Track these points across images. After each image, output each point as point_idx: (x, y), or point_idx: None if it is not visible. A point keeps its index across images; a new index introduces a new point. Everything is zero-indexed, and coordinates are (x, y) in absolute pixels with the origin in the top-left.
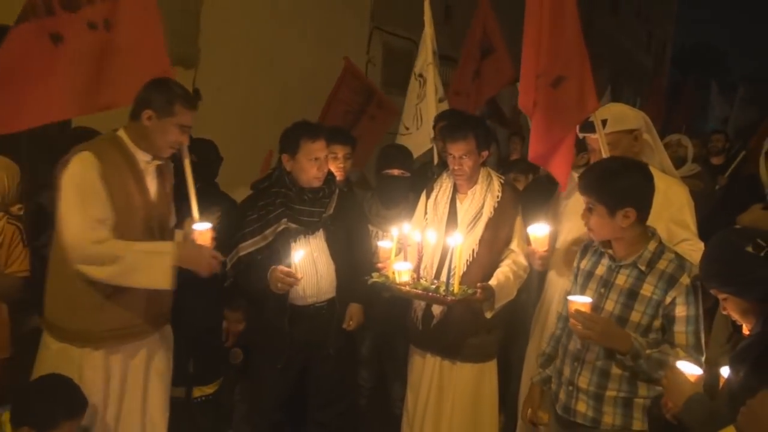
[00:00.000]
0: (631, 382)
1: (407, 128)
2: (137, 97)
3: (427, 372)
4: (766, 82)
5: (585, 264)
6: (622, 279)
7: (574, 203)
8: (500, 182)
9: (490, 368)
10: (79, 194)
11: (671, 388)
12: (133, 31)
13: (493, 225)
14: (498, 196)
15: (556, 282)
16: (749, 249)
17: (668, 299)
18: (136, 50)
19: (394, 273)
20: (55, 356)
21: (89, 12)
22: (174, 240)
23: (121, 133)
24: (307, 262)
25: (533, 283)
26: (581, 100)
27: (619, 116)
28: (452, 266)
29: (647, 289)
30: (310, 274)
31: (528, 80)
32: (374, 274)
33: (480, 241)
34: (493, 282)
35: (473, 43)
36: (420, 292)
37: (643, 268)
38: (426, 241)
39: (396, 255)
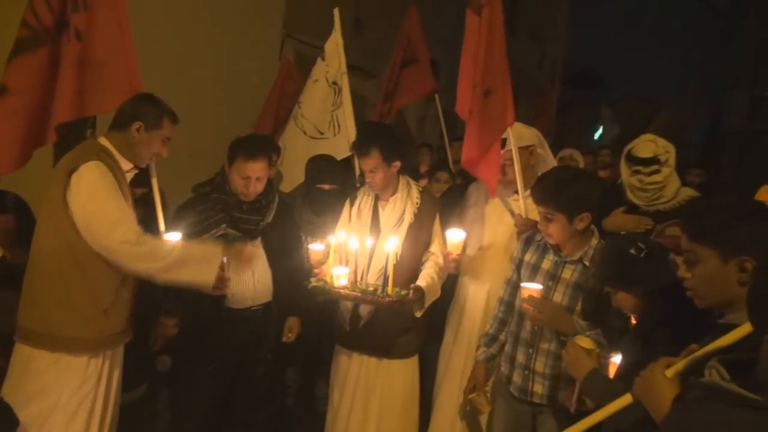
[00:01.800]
0: None
1: (322, 133)
2: (125, 109)
3: (353, 370)
4: (641, 102)
5: (529, 257)
6: (568, 273)
7: (491, 210)
8: (418, 190)
9: (413, 364)
10: (111, 196)
11: (571, 363)
12: (106, 45)
13: (413, 230)
14: (417, 203)
15: (468, 284)
16: (632, 251)
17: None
18: (101, 65)
19: (332, 277)
20: (49, 367)
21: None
22: None
23: (105, 143)
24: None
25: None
26: (503, 114)
27: (517, 135)
28: (386, 270)
29: (592, 282)
30: (247, 279)
31: (465, 90)
32: (312, 279)
33: (402, 245)
34: (422, 283)
35: (397, 54)
36: (358, 294)
37: (587, 263)
38: (358, 247)
39: (333, 260)
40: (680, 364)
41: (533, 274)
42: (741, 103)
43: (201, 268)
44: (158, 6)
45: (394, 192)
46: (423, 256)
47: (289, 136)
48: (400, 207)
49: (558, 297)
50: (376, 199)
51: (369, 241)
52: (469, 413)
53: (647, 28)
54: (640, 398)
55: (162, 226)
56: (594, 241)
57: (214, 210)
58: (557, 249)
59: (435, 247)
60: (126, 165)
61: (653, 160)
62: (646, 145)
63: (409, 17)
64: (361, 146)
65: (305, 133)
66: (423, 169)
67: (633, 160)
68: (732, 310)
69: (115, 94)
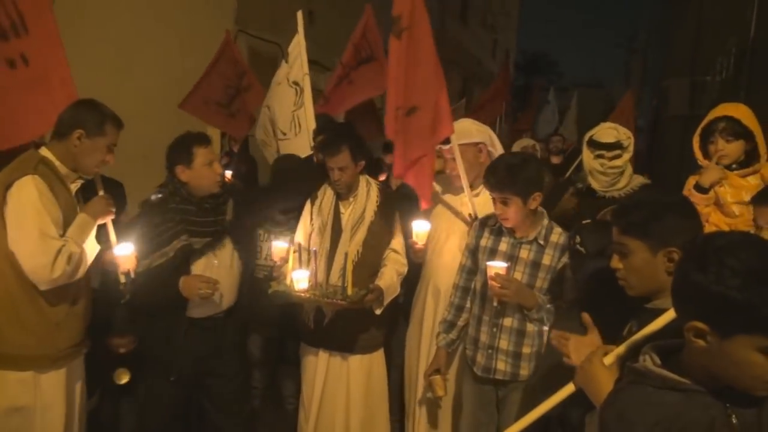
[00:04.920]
0: (540, 337)
1: (284, 134)
2: (65, 117)
3: (320, 367)
4: (595, 88)
5: (485, 242)
6: (525, 253)
7: (447, 204)
8: (378, 188)
9: (377, 358)
10: (38, 219)
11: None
12: (44, 64)
13: (374, 228)
14: (377, 202)
15: (428, 278)
16: (571, 243)
17: (560, 264)
18: (47, 82)
19: (291, 281)
20: (6, 386)
21: (6, 48)
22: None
23: (47, 153)
24: (210, 275)
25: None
26: (434, 126)
27: (465, 131)
28: (345, 272)
29: (547, 259)
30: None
31: (390, 112)
32: (273, 284)
33: (363, 243)
34: (381, 283)
35: (349, 51)
36: (318, 298)
37: (542, 242)
38: (318, 247)
39: (293, 264)
40: (616, 352)
41: (491, 256)
42: (683, 88)
43: (90, 243)
44: (101, 4)
45: (355, 191)
46: (384, 253)
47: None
48: (361, 206)
49: (518, 275)
50: (337, 197)
51: (319, 243)
52: (434, 400)
53: (597, 14)
54: (582, 386)
55: (113, 238)
56: (545, 221)
57: (174, 221)
58: (512, 231)
59: (396, 244)
60: (71, 176)
61: (616, 145)
62: (608, 131)
63: (366, 15)
64: (332, 145)
65: (275, 135)
66: (390, 160)
67: (596, 145)
68: (659, 297)
69: (55, 110)
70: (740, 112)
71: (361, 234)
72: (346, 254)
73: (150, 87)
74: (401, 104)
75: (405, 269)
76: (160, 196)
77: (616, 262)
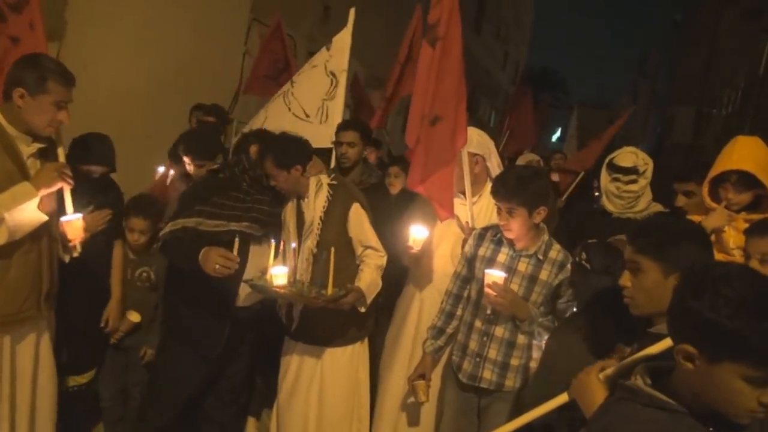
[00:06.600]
0: (530, 350)
1: (308, 116)
2: (7, 76)
3: (295, 359)
4: (599, 108)
5: (484, 252)
6: (523, 266)
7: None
8: (329, 188)
9: (354, 351)
10: None
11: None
12: (24, 28)
13: (326, 228)
14: (324, 205)
15: (416, 284)
16: (577, 260)
17: (557, 281)
18: (23, 45)
19: (271, 276)
20: None
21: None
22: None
23: None
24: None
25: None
26: (452, 138)
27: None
28: (324, 270)
29: (544, 274)
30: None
31: (414, 120)
32: (254, 277)
33: (318, 244)
34: (361, 284)
35: (402, 52)
36: (295, 294)
37: (541, 257)
38: (294, 246)
39: (275, 259)
40: (611, 369)
41: (489, 266)
42: (688, 117)
43: (29, 214)
44: None
45: (305, 194)
46: (350, 250)
47: (274, 109)
48: (311, 207)
49: (513, 287)
50: (299, 198)
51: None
52: (412, 404)
53: (609, 36)
54: (575, 397)
55: (69, 207)
56: (545, 237)
57: (245, 203)
58: (511, 243)
59: (367, 240)
60: (24, 137)
61: (633, 170)
62: (628, 155)
63: (416, 17)
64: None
65: (290, 110)
66: (371, 159)
67: (614, 168)
68: (661, 321)
69: None
70: (756, 164)
71: (312, 240)
72: (315, 253)
73: (160, 69)
74: (427, 113)
75: (383, 260)
76: (228, 173)
77: (625, 280)
